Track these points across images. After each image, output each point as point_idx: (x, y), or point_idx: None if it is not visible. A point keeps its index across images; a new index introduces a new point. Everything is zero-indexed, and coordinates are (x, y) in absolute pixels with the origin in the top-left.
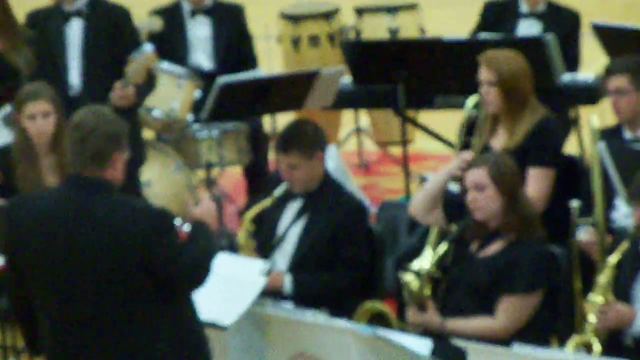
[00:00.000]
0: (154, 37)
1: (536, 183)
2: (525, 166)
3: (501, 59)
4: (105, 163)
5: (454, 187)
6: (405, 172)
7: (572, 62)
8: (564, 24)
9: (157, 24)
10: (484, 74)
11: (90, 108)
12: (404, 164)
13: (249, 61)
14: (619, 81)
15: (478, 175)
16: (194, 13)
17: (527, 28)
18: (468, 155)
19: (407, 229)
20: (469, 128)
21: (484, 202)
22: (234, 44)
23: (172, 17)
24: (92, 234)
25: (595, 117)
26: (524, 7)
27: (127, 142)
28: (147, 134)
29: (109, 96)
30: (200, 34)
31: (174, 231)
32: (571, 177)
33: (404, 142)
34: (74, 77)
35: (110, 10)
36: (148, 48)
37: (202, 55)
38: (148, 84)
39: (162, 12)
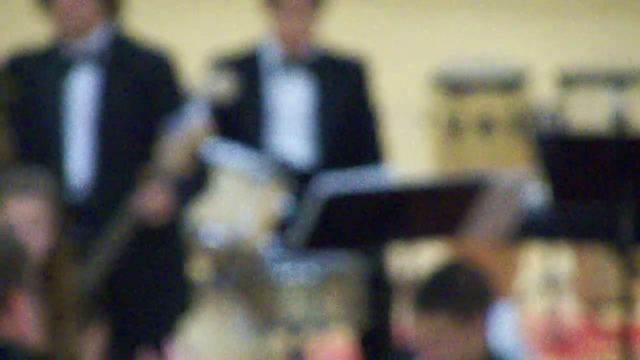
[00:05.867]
0: (216, 108)
1: None
2: None
3: None
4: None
5: None
6: (625, 353)
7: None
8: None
9: (226, 86)
10: None
11: None
12: (622, 339)
13: (373, 150)
14: None
15: None
16: (285, 67)
17: None
18: None
19: None
20: None
21: None
22: (349, 121)
23: (246, 74)
24: None
25: None
26: None
27: (30, 278)
28: (198, 267)
29: (132, 203)
30: (291, 101)
31: None
32: None
33: (626, 301)
34: (79, 164)
35: (142, 54)
36: (195, 116)
37: (294, 138)
38: (197, 180)
39: (234, 64)
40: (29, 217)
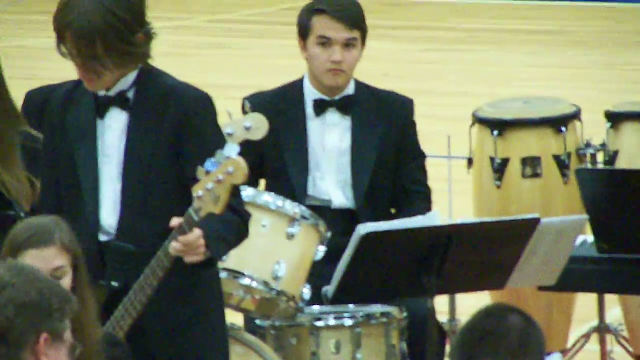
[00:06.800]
0: (251, 146)
1: None
2: None
3: None
4: (19, 350)
5: None
6: None
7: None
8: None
9: (259, 125)
10: None
11: (9, 262)
12: None
13: (419, 194)
14: None
15: None
16: (322, 107)
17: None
18: None
19: None
20: None
21: None
22: (391, 162)
23: (286, 110)
24: None
25: None
26: None
27: (64, 324)
28: (233, 317)
29: (166, 247)
30: (331, 141)
31: None
32: None
33: None
34: (109, 210)
35: (171, 94)
36: (232, 152)
37: (332, 180)
38: (237, 222)
39: (271, 100)
40: (48, 266)
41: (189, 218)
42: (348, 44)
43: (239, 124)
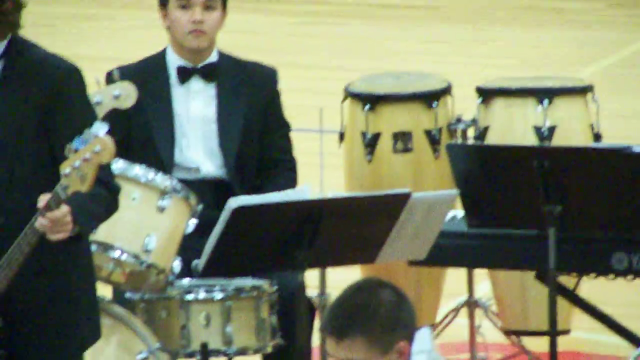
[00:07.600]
0: (119, 116)
1: None
2: None
3: None
4: None
5: None
6: None
7: None
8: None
9: (128, 93)
10: None
11: None
12: None
13: (284, 163)
14: None
15: None
16: (185, 74)
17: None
18: None
19: None
20: None
21: None
22: (257, 131)
23: (150, 80)
24: None
25: None
26: None
27: None
28: (102, 290)
29: (33, 223)
30: (196, 108)
31: None
32: None
33: (554, 333)
34: None
35: (41, 66)
36: (100, 130)
37: (199, 148)
38: (106, 197)
39: (134, 72)
40: None
41: (56, 195)
42: (208, 6)
43: (107, 92)
